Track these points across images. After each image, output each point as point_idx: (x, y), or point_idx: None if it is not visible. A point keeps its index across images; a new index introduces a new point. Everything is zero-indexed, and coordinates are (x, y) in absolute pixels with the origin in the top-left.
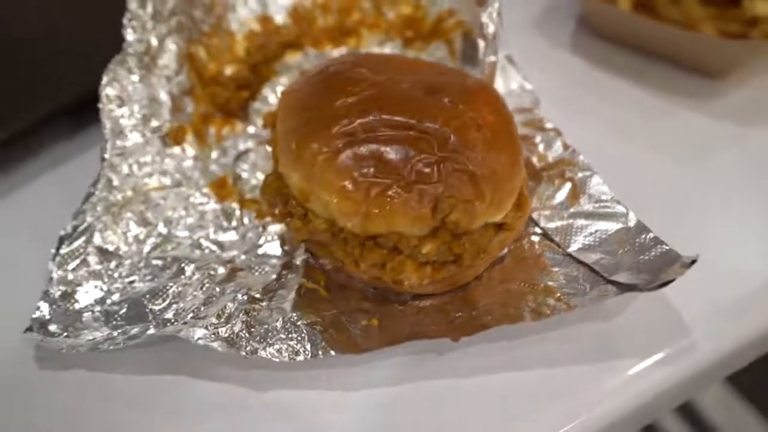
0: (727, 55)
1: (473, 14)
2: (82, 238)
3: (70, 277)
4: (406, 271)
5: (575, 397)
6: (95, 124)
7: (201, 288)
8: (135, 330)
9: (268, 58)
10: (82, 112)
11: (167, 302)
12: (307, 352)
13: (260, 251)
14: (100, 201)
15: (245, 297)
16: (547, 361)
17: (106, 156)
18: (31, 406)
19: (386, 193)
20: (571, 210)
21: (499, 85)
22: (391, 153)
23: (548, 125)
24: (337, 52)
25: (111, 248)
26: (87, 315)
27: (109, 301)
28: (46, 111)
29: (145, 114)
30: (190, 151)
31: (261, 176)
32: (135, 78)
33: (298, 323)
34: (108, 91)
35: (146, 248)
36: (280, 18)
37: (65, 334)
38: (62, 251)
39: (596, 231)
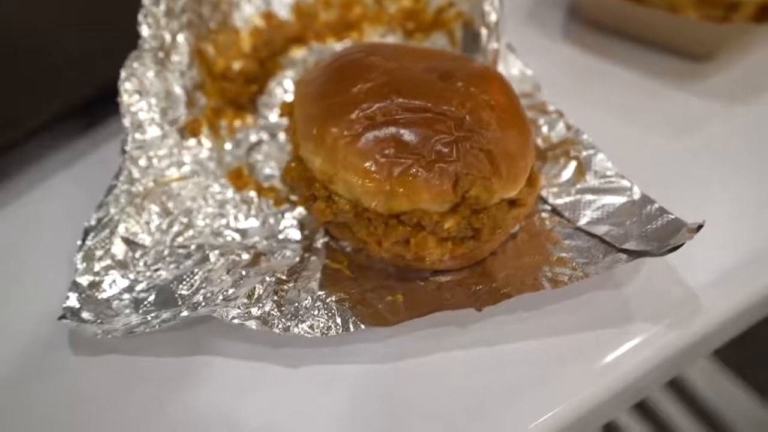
0: (711, 38)
1: (472, 4)
2: (107, 230)
3: (97, 267)
4: (429, 246)
5: (593, 360)
6: (106, 120)
7: (227, 272)
8: (167, 314)
9: (275, 53)
10: (92, 109)
11: (195, 287)
12: (338, 327)
13: (281, 236)
14: (122, 193)
15: (273, 278)
16: (563, 329)
17: (127, 148)
18: (69, 393)
19: (408, 171)
20: (578, 186)
21: (501, 71)
22: (411, 134)
23: (551, 108)
24: (340, 46)
25: (135, 239)
26: (116, 303)
27: (137, 289)
28: (58, 109)
29: (163, 107)
30: (206, 143)
31: (274, 165)
32: (151, 73)
33: (327, 300)
34: (126, 85)
35: (169, 237)
36: (283, 14)
37: (99, 320)
38: (87, 243)
39: (603, 205)
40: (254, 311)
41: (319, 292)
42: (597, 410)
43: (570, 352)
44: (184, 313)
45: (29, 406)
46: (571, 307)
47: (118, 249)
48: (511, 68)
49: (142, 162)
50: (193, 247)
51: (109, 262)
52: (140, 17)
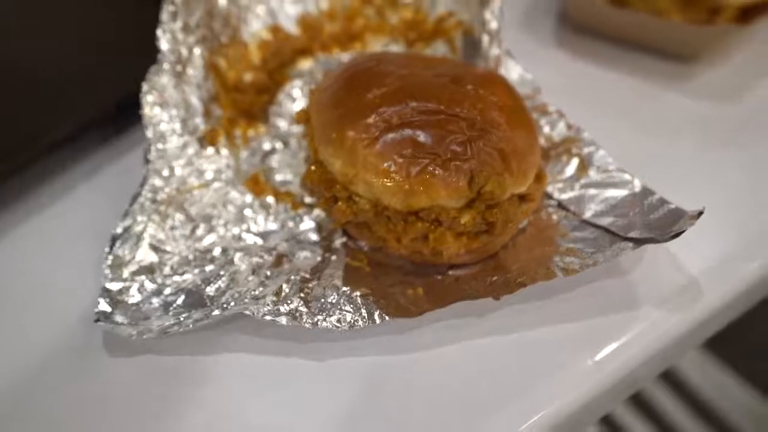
0: (696, 40)
1: (471, 14)
2: (133, 237)
3: (125, 274)
4: (447, 241)
5: (606, 344)
6: (127, 129)
7: (252, 273)
8: (198, 314)
9: (283, 64)
10: (111, 121)
11: (222, 288)
12: (364, 320)
13: (300, 238)
14: (147, 201)
15: (298, 277)
16: (576, 315)
17: (150, 158)
18: (103, 393)
19: (426, 170)
20: (582, 181)
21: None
22: (426, 135)
23: (551, 108)
24: (345, 56)
25: (160, 245)
26: (146, 307)
27: (165, 293)
28: (77, 124)
29: (183, 118)
30: (224, 151)
31: (288, 171)
32: (170, 86)
33: (352, 295)
34: (148, 98)
35: (193, 242)
36: (289, 27)
37: (132, 322)
38: (115, 250)
39: (606, 198)
40: (283, 308)
41: (344, 288)
42: (604, 396)
43: (582, 336)
44: (216, 312)
45: (65, 406)
46: (582, 295)
47: (145, 255)
48: (512, 73)
49: (165, 171)
50: (216, 251)
51: (136, 267)
52: (159, 33)
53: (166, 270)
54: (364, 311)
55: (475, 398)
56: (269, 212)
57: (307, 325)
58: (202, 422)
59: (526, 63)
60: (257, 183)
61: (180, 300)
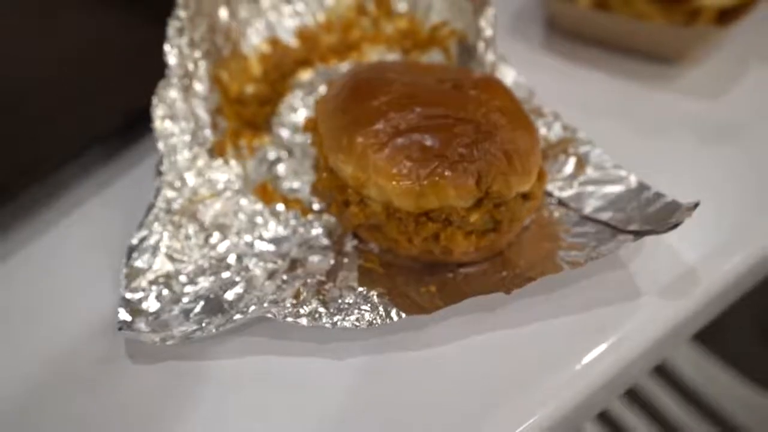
0: (678, 42)
1: (465, 22)
2: (149, 247)
3: (143, 283)
4: (457, 240)
5: (615, 333)
6: (137, 141)
7: (269, 278)
8: (219, 319)
9: (284, 75)
10: (118, 135)
11: (240, 294)
12: (382, 318)
13: (312, 243)
14: (161, 212)
15: (314, 280)
16: (583, 307)
17: (163, 170)
18: (130, 403)
19: (435, 172)
20: (580, 179)
21: None
22: (434, 139)
23: (546, 110)
24: (344, 66)
25: (176, 254)
26: (165, 315)
27: (183, 301)
28: (83, 140)
29: (192, 131)
30: (232, 162)
31: (295, 180)
32: (179, 99)
33: (368, 295)
34: (158, 111)
35: (207, 251)
36: (288, 39)
37: (153, 329)
38: (132, 261)
39: (605, 194)
40: (303, 310)
41: (359, 289)
42: (615, 380)
43: (588, 326)
44: (238, 316)
45: (90, 415)
46: (588, 286)
47: (162, 264)
48: (506, 77)
49: (177, 183)
50: (230, 258)
51: (153, 277)
52: (167, 48)
53: (183, 278)
54: (381, 310)
55: (492, 386)
56: (280, 219)
57: (327, 326)
58: (228, 424)
59: (517, 68)
60: (266, 191)
61: (199, 307)
